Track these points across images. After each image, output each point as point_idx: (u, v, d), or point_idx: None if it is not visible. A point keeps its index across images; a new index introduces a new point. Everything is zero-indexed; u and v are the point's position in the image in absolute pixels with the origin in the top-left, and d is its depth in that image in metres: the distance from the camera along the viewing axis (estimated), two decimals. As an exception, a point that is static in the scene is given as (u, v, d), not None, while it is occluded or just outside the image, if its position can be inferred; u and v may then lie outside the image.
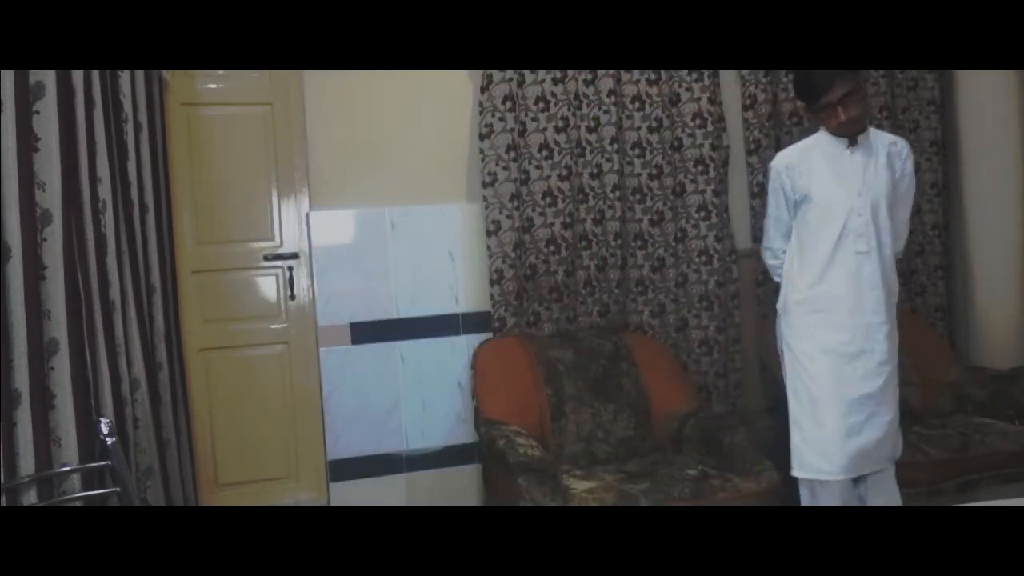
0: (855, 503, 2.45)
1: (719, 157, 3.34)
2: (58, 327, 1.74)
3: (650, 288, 3.30)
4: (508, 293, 3.11)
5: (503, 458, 2.52)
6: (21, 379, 1.62)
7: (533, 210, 3.15)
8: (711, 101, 3.31)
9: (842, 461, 2.35)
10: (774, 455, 2.58)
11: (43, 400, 1.68)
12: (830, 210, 2.39)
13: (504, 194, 3.09)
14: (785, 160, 2.48)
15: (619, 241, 3.25)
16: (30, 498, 1.64)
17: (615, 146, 3.22)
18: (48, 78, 1.74)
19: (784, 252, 2.54)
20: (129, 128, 2.30)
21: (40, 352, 1.68)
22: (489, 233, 3.09)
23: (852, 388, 2.38)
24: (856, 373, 2.39)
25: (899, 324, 3.42)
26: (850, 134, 2.40)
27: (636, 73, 3.24)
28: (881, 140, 2.46)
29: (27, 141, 1.68)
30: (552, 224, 3.16)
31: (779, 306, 2.53)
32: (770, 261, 2.63)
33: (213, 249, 3.04)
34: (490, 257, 3.10)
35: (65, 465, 1.74)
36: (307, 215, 3.07)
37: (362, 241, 3.10)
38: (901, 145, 2.48)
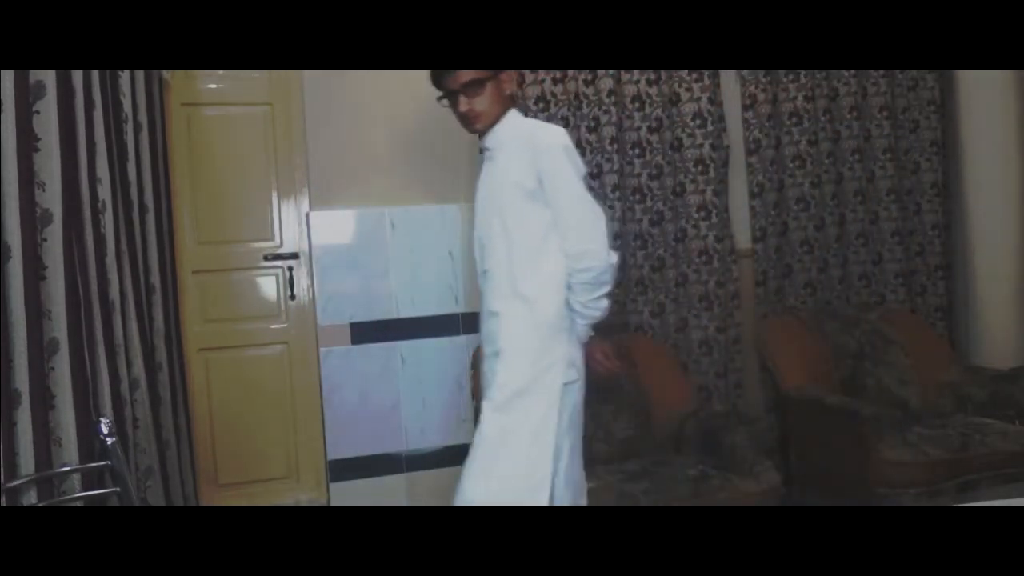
0: None
1: (719, 157, 3.34)
2: (58, 327, 1.74)
3: (650, 288, 3.30)
4: (508, 293, 3.10)
5: (503, 458, 2.51)
6: (21, 379, 1.62)
7: (533, 210, 3.14)
8: (711, 101, 3.31)
9: None
10: (774, 455, 2.59)
11: (43, 400, 1.68)
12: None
13: (504, 194, 3.09)
14: None
15: (619, 241, 3.25)
16: (30, 498, 1.64)
17: (615, 146, 3.22)
18: (48, 78, 1.74)
19: None
20: (129, 128, 2.30)
21: (40, 352, 1.68)
22: (489, 233, 3.09)
23: None
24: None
25: (898, 324, 3.44)
26: (469, 131, 2.12)
27: (636, 73, 3.24)
28: (517, 134, 2.09)
29: (27, 141, 1.68)
30: (552, 224, 3.15)
31: None
32: None
33: (213, 249, 3.04)
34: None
35: (65, 465, 1.74)
36: (307, 215, 3.07)
37: (362, 241, 3.10)
38: (541, 135, 2.05)
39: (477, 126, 2.09)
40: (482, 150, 2.17)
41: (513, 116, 2.13)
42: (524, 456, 2.02)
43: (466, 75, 2.03)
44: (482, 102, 2.06)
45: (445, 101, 2.10)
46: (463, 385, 3.14)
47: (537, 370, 2.03)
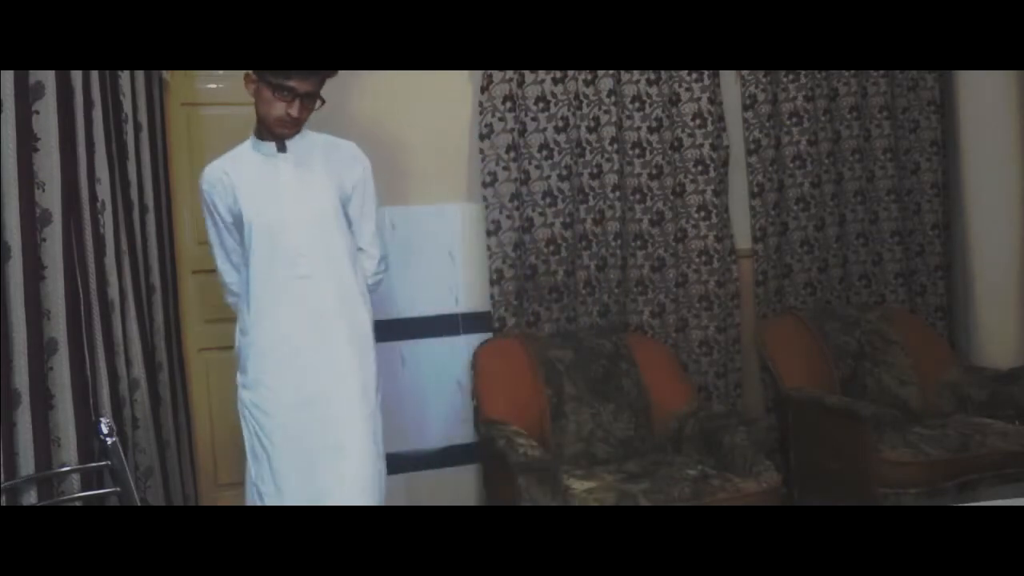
0: None
1: (719, 157, 3.34)
2: (57, 327, 1.74)
3: (650, 288, 3.30)
4: (508, 293, 3.11)
5: (503, 458, 2.51)
6: (21, 379, 1.62)
7: (533, 210, 3.15)
8: (711, 101, 3.31)
9: None
10: (774, 455, 2.59)
11: (43, 400, 1.68)
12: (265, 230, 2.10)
13: (504, 194, 3.09)
14: (209, 176, 2.14)
15: (619, 241, 3.25)
16: (30, 498, 1.64)
17: (615, 146, 3.22)
18: (48, 78, 1.74)
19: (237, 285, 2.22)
20: (129, 128, 2.30)
21: (40, 352, 1.68)
22: (489, 233, 3.09)
23: (311, 439, 2.06)
24: (314, 423, 2.07)
25: (897, 324, 3.44)
26: (283, 136, 2.12)
27: (636, 73, 3.24)
28: (318, 143, 2.19)
29: (27, 141, 1.68)
30: (552, 224, 3.16)
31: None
32: (229, 299, 2.30)
33: (213, 249, 3.03)
34: (490, 257, 3.10)
35: (64, 465, 1.74)
36: (307, 215, 3.07)
37: (362, 241, 3.09)
38: (346, 149, 2.21)
39: (290, 132, 2.11)
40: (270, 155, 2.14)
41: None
42: None
43: (311, 85, 2.04)
44: (306, 113, 2.08)
45: (276, 94, 2.02)
46: (463, 385, 3.14)
47: None
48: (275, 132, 2.09)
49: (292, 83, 1.98)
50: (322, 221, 2.11)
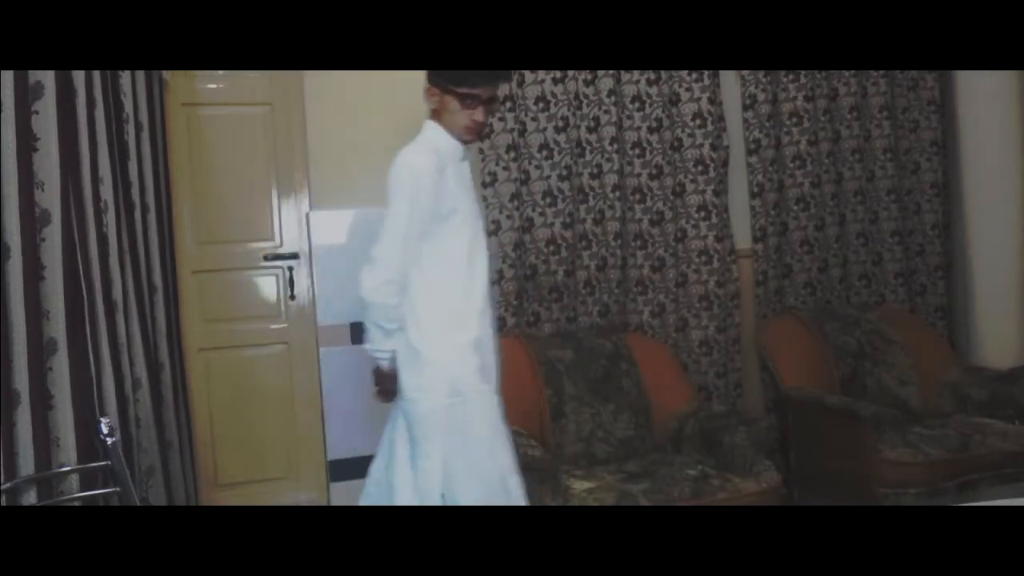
0: None
1: (719, 157, 3.34)
2: (56, 327, 1.74)
3: (650, 288, 3.30)
4: (508, 293, 3.11)
5: (503, 458, 2.51)
6: (21, 379, 1.62)
7: (533, 210, 3.15)
8: (711, 101, 3.31)
9: None
10: (774, 455, 2.59)
11: (43, 400, 1.68)
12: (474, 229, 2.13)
13: (504, 194, 3.09)
14: (420, 166, 2.03)
15: (619, 241, 3.25)
16: (30, 498, 1.64)
17: (615, 146, 3.22)
18: (47, 78, 1.75)
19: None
20: (130, 128, 2.30)
21: (40, 352, 1.68)
22: (489, 233, 3.09)
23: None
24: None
25: (897, 324, 3.44)
26: (470, 142, 2.17)
27: (636, 73, 3.24)
28: None
29: (26, 141, 1.68)
30: (552, 224, 3.16)
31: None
32: (391, 300, 2.06)
33: (213, 249, 3.04)
34: (490, 257, 3.09)
35: (63, 466, 1.74)
36: (307, 215, 3.07)
37: (362, 241, 3.08)
38: None
39: (476, 138, 2.16)
40: (457, 158, 2.14)
41: None
42: None
43: (495, 90, 2.09)
44: (488, 118, 2.10)
45: (464, 102, 2.04)
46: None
47: None
48: (464, 139, 2.12)
49: (477, 91, 2.02)
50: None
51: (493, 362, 2.15)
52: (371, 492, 2.24)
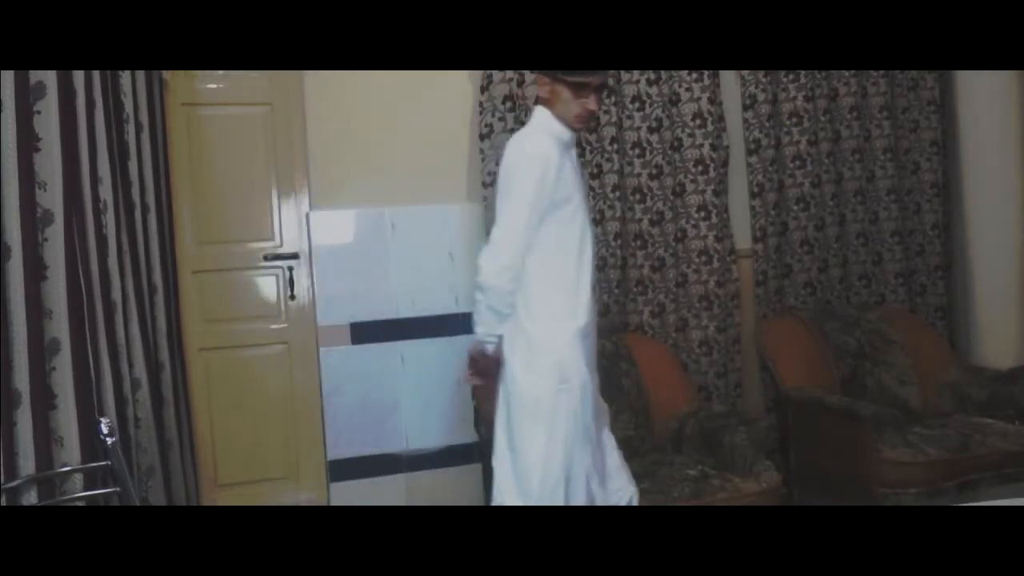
0: None
1: (719, 157, 3.34)
2: (60, 327, 1.74)
3: (650, 288, 3.30)
4: (508, 293, 3.10)
5: (503, 458, 2.51)
6: (21, 379, 1.62)
7: (533, 210, 3.14)
8: (711, 101, 3.31)
9: None
10: (774, 455, 2.58)
11: (44, 400, 1.68)
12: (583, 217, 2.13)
13: (504, 194, 3.08)
14: (545, 153, 2.04)
15: (619, 241, 3.25)
16: (30, 498, 1.64)
17: (615, 146, 3.22)
18: (49, 78, 1.75)
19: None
20: (130, 128, 2.30)
21: (41, 352, 1.68)
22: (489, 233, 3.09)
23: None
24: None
25: (897, 324, 3.44)
26: (581, 130, 2.21)
27: (636, 73, 3.24)
28: None
29: (28, 141, 1.68)
30: (552, 224, 3.15)
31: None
32: (509, 286, 2.07)
33: (213, 249, 3.04)
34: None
35: (66, 465, 1.74)
36: (307, 215, 3.07)
37: (362, 241, 3.10)
38: None
39: (587, 125, 2.19)
40: (569, 146, 2.16)
41: None
42: None
43: (607, 77, 2.11)
44: (600, 105, 2.13)
45: (575, 91, 2.05)
46: (463, 385, 3.14)
47: None
48: (575, 127, 2.13)
49: (590, 79, 2.04)
50: None
51: (594, 351, 2.19)
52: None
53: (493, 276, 2.04)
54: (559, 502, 2.05)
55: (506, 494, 2.10)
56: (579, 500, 2.07)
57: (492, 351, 2.13)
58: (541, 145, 2.04)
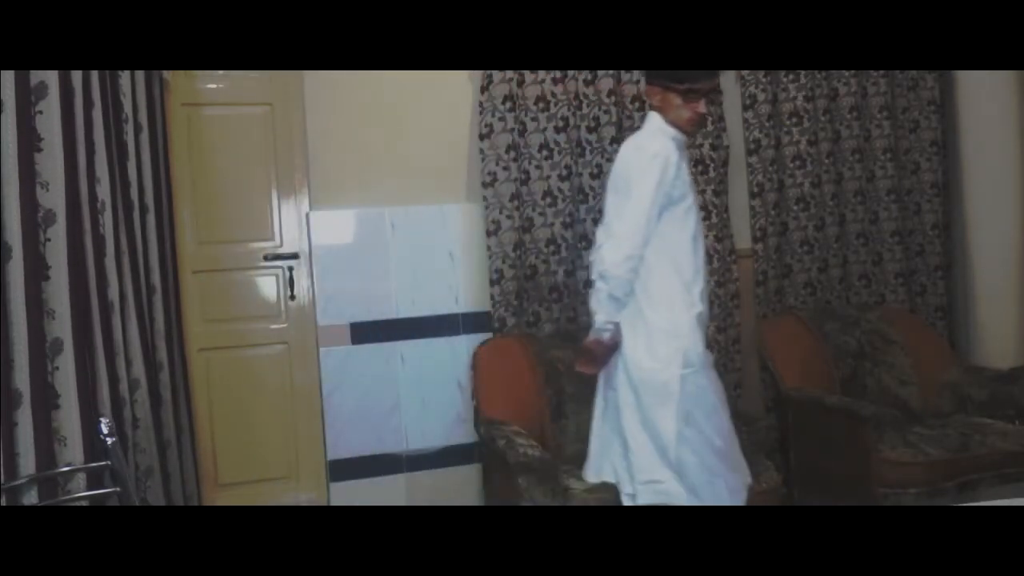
0: None
1: (719, 157, 3.34)
2: (62, 327, 1.74)
3: (650, 288, 3.30)
4: (508, 293, 3.11)
5: (503, 458, 2.51)
6: (22, 379, 1.63)
7: (533, 210, 3.15)
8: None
9: None
10: (774, 455, 2.58)
11: (44, 400, 1.68)
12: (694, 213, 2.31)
13: (504, 194, 3.09)
14: (664, 152, 2.23)
15: (619, 241, 3.24)
16: (31, 498, 1.64)
17: (615, 146, 3.21)
18: (51, 78, 1.75)
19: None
20: (129, 128, 2.30)
21: (42, 352, 1.68)
22: (489, 233, 3.09)
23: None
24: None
25: (897, 324, 3.44)
26: (694, 133, 2.39)
27: (636, 73, 3.24)
28: None
29: (29, 141, 1.68)
30: (552, 224, 3.16)
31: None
32: (631, 276, 2.24)
33: (213, 249, 3.04)
34: (490, 257, 3.10)
35: (68, 465, 1.74)
36: (307, 215, 3.07)
37: (362, 241, 3.10)
38: None
39: (700, 128, 2.35)
40: (682, 148, 2.31)
41: None
42: None
43: (716, 81, 2.27)
44: (711, 107, 2.29)
45: (686, 98, 2.22)
46: (463, 385, 3.14)
47: None
48: (687, 131, 2.30)
49: (699, 85, 2.20)
50: None
51: (706, 333, 2.34)
52: (596, 449, 2.43)
53: (616, 265, 2.21)
54: (693, 478, 2.21)
55: (652, 469, 2.24)
56: (718, 467, 2.25)
57: (609, 338, 2.26)
58: (661, 146, 2.22)
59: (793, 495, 3.06)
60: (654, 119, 2.30)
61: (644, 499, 2.27)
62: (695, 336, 2.24)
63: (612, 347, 2.27)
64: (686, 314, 2.24)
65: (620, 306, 2.24)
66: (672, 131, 2.27)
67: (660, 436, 2.22)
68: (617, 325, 2.26)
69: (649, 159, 2.21)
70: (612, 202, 2.30)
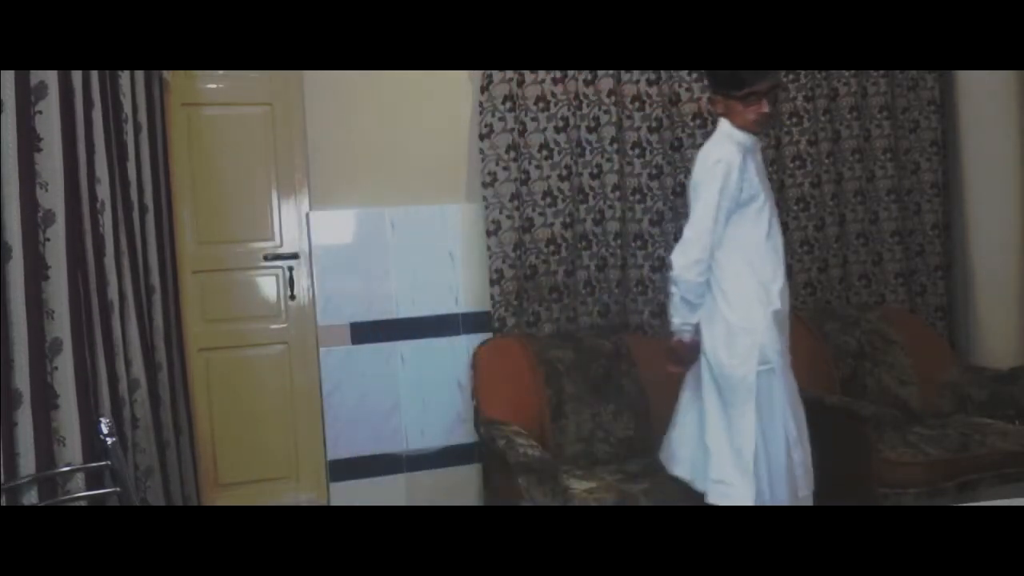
0: None
1: (719, 157, 3.34)
2: (62, 327, 1.74)
3: (650, 288, 3.30)
4: (508, 293, 3.11)
5: (503, 458, 2.51)
6: (22, 379, 1.62)
7: (533, 210, 3.15)
8: (711, 101, 3.31)
9: None
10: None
11: (44, 400, 1.68)
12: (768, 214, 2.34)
13: (504, 194, 3.09)
14: (728, 158, 2.28)
15: (619, 241, 3.25)
16: (31, 498, 1.64)
17: (615, 146, 3.22)
18: (51, 78, 1.74)
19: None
20: (129, 128, 2.30)
21: (42, 352, 1.68)
22: (489, 233, 3.09)
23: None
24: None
25: (897, 324, 3.44)
26: (761, 132, 2.42)
27: (636, 73, 3.24)
28: None
29: (29, 141, 1.68)
30: (552, 224, 3.16)
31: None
32: (700, 279, 2.30)
33: (213, 249, 3.04)
34: (490, 257, 3.10)
35: (67, 465, 1.74)
36: (307, 215, 3.07)
37: (362, 241, 3.10)
38: None
39: (767, 127, 2.37)
40: (752, 149, 2.35)
41: None
42: None
43: (776, 80, 2.28)
44: (775, 105, 2.33)
45: (746, 103, 2.26)
46: (463, 385, 3.14)
47: None
48: (755, 131, 2.34)
49: (757, 87, 2.24)
50: None
51: (787, 335, 2.37)
52: (674, 437, 2.47)
53: (684, 269, 2.28)
54: (766, 472, 2.26)
55: (724, 469, 2.27)
56: (782, 469, 2.28)
57: (688, 339, 2.34)
58: (724, 151, 2.27)
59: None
60: (722, 125, 2.35)
61: (712, 498, 2.30)
62: (771, 333, 2.27)
63: (694, 346, 2.34)
64: (762, 311, 2.27)
65: (694, 308, 2.30)
66: (740, 135, 2.31)
67: (738, 436, 2.26)
68: (695, 325, 2.32)
69: (712, 165, 2.27)
70: (692, 208, 2.36)
